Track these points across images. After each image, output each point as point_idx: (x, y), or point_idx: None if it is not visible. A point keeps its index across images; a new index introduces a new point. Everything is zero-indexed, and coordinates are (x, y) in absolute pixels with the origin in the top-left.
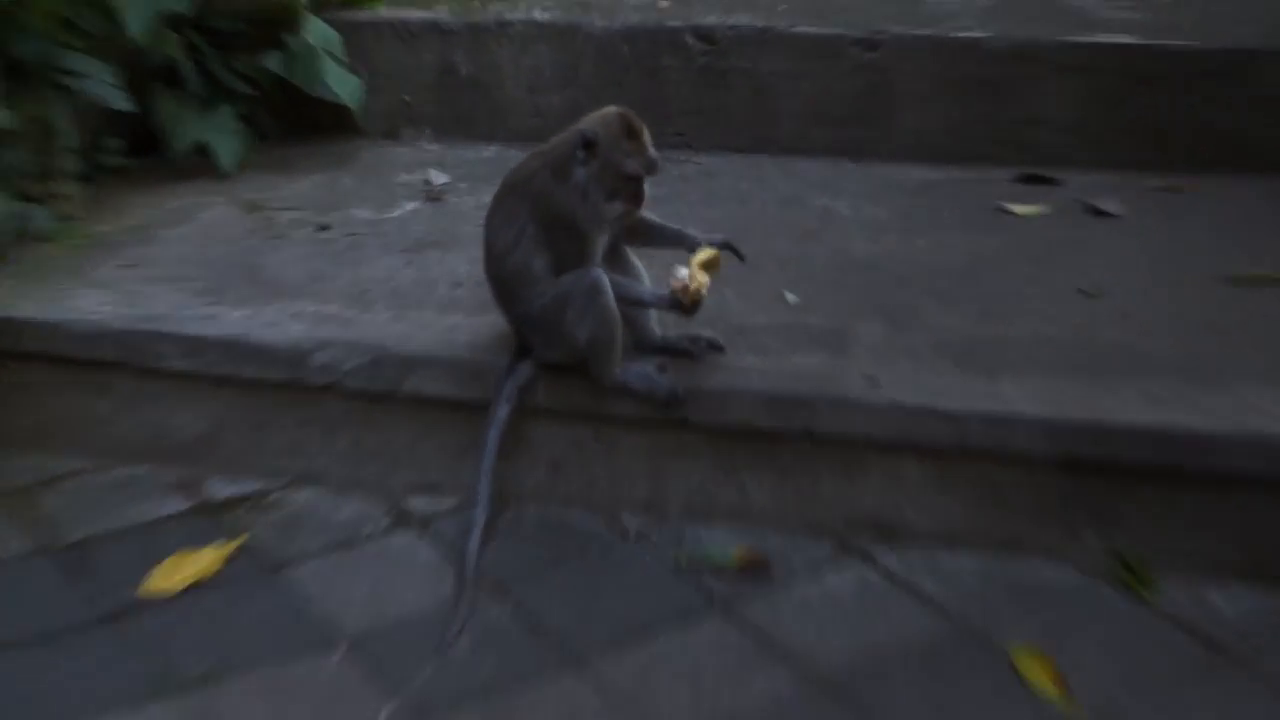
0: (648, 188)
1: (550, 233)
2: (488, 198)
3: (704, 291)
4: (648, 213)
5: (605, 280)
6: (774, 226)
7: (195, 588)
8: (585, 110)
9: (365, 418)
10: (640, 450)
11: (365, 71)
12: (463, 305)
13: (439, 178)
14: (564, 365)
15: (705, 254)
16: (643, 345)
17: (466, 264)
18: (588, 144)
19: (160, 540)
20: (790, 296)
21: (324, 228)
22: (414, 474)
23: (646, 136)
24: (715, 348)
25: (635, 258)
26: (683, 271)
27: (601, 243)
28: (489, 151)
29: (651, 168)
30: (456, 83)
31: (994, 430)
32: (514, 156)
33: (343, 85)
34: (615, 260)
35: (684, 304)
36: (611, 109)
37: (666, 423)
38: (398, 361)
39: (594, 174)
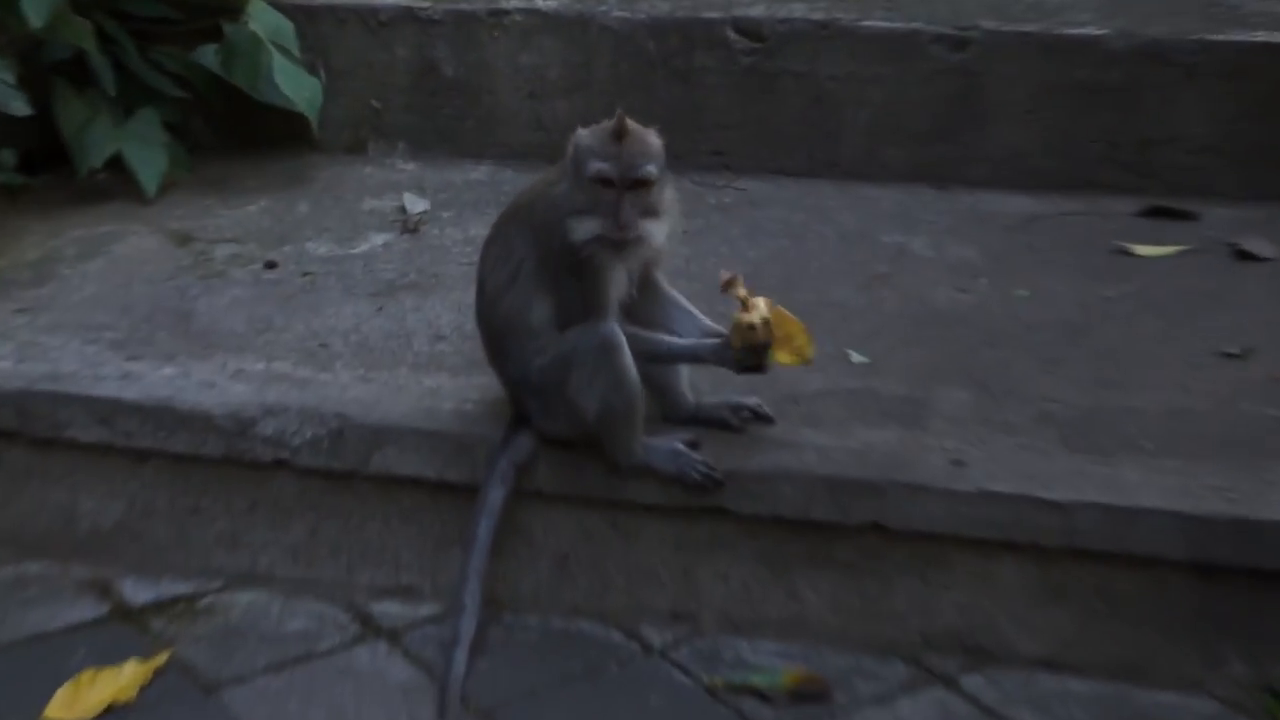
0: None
1: (554, 272)
2: (476, 230)
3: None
4: (661, 276)
5: (620, 336)
6: (835, 269)
7: (109, 715)
8: (596, 122)
9: (323, 502)
10: (666, 544)
11: (324, 70)
12: (446, 363)
13: (416, 204)
14: (571, 440)
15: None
16: (671, 414)
17: (450, 312)
18: (571, 151)
19: (65, 654)
20: (855, 356)
21: (271, 265)
22: (384, 573)
23: (638, 141)
24: (761, 418)
25: (676, 294)
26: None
27: (617, 286)
28: (478, 172)
29: (625, 170)
30: (438, 85)
31: (1112, 526)
32: (509, 179)
33: (296, 87)
34: (648, 297)
35: (755, 343)
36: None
37: (700, 511)
38: (365, 433)
39: (570, 187)
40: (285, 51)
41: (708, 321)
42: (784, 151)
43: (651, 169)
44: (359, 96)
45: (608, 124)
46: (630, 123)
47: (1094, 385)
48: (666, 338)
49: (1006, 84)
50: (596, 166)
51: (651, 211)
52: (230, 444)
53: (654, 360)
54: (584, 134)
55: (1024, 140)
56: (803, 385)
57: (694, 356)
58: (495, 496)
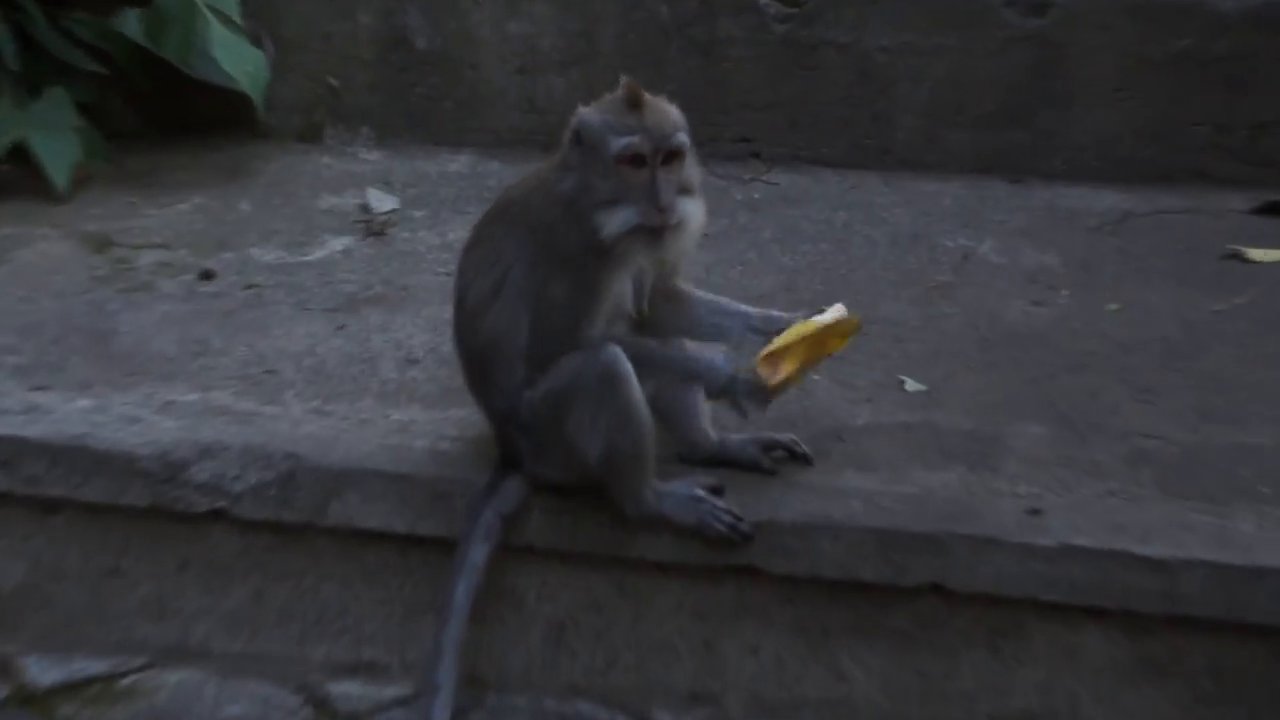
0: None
1: (548, 282)
2: (455, 233)
3: (799, 377)
4: (685, 283)
5: (626, 364)
6: (886, 279)
7: None
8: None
9: (270, 561)
10: (684, 610)
11: (272, 42)
12: (419, 392)
13: (382, 202)
14: (569, 485)
15: (835, 315)
16: (689, 454)
17: (424, 331)
18: (576, 134)
19: None
20: (911, 383)
21: (208, 275)
22: (343, 646)
23: (659, 109)
24: (798, 458)
25: (708, 296)
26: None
27: (623, 299)
28: (457, 163)
29: (657, 140)
30: (409, 59)
31: (1223, 589)
32: (494, 171)
33: (237, 61)
34: (675, 309)
35: (764, 389)
36: (622, 80)
37: (724, 570)
38: (320, 477)
39: (584, 166)
40: (224, 18)
41: (757, 313)
42: (824, 138)
43: (683, 136)
44: (313, 73)
45: (616, 94)
46: (640, 85)
47: (1199, 418)
48: (661, 347)
49: (1093, 56)
50: (622, 142)
51: (687, 189)
52: (158, 491)
53: (661, 377)
54: (589, 112)
55: (1114, 123)
56: (848, 419)
57: (691, 373)
58: (477, 554)
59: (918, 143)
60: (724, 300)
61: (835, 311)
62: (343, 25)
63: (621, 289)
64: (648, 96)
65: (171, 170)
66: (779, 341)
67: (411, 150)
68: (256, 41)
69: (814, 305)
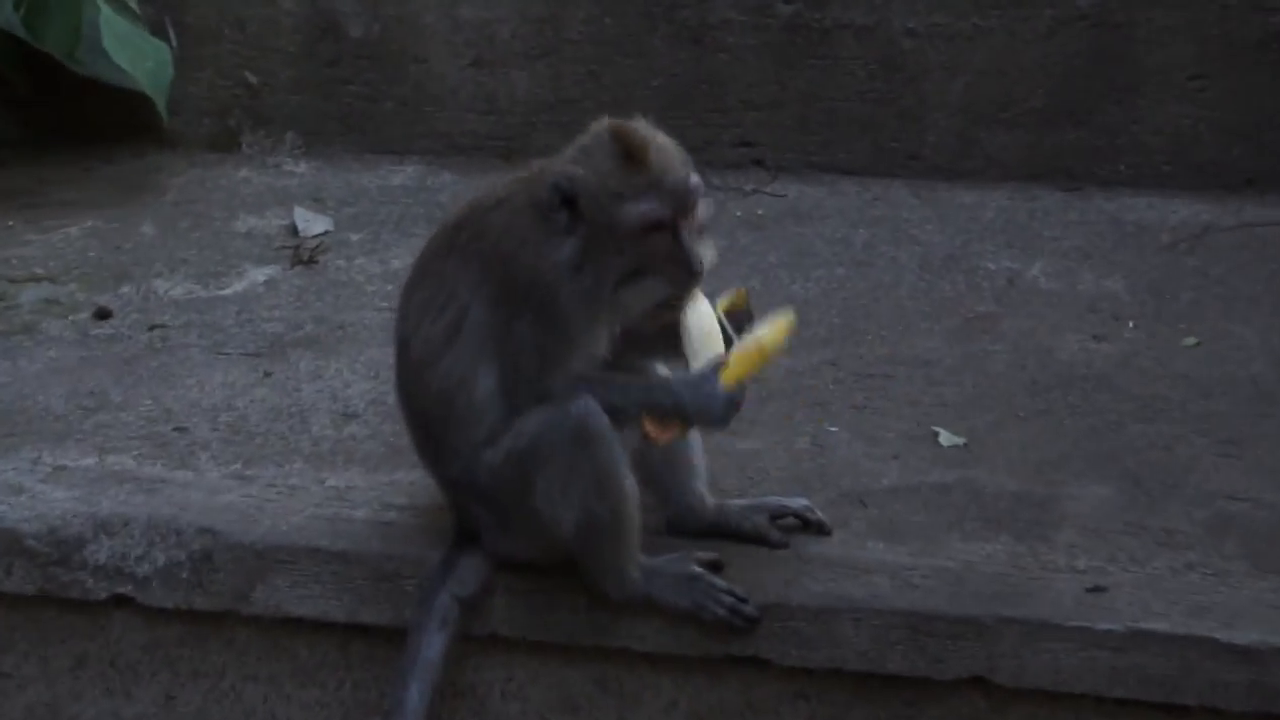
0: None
1: (512, 322)
2: (400, 259)
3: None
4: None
5: (602, 419)
6: (916, 310)
7: None
8: (571, 100)
9: (182, 657)
10: (678, 711)
11: (176, 32)
12: (358, 452)
13: (312, 223)
14: (539, 563)
15: (731, 300)
16: (681, 524)
17: (364, 378)
18: (566, 199)
19: None
20: (946, 436)
21: (104, 315)
22: None
23: (662, 150)
24: (811, 527)
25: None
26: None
27: (599, 341)
28: (402, 174)
29: (680, 199)
30: (341, 51)
31: None
32: (446, 184)
33: (134, 56)
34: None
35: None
36: (601, 124)
37: (725, 662)
38: (242, 556)
39: (589, 245)
40: (118, 3)
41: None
42: (841, 141)
43: (697, 179)
44: (227, 69)
45: (603, 144)
46: (634, 127)
47: None
48: (631, 381)
49: (1164, 38)
50: (639, 212)
51: (702, 229)
52: (47, 575)
53: (624, 416)
54: (572, 175)
55: (1189, 120)
56: (872, 479)
57: (666, 405)
58: (432, 646)
59: (953, 146)
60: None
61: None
62: (261, 11)
63: (597, 329)
64: (644, 139)
65: (58, 187)
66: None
67: (346, 160)
68: (158, 31)
69: (833, 345)
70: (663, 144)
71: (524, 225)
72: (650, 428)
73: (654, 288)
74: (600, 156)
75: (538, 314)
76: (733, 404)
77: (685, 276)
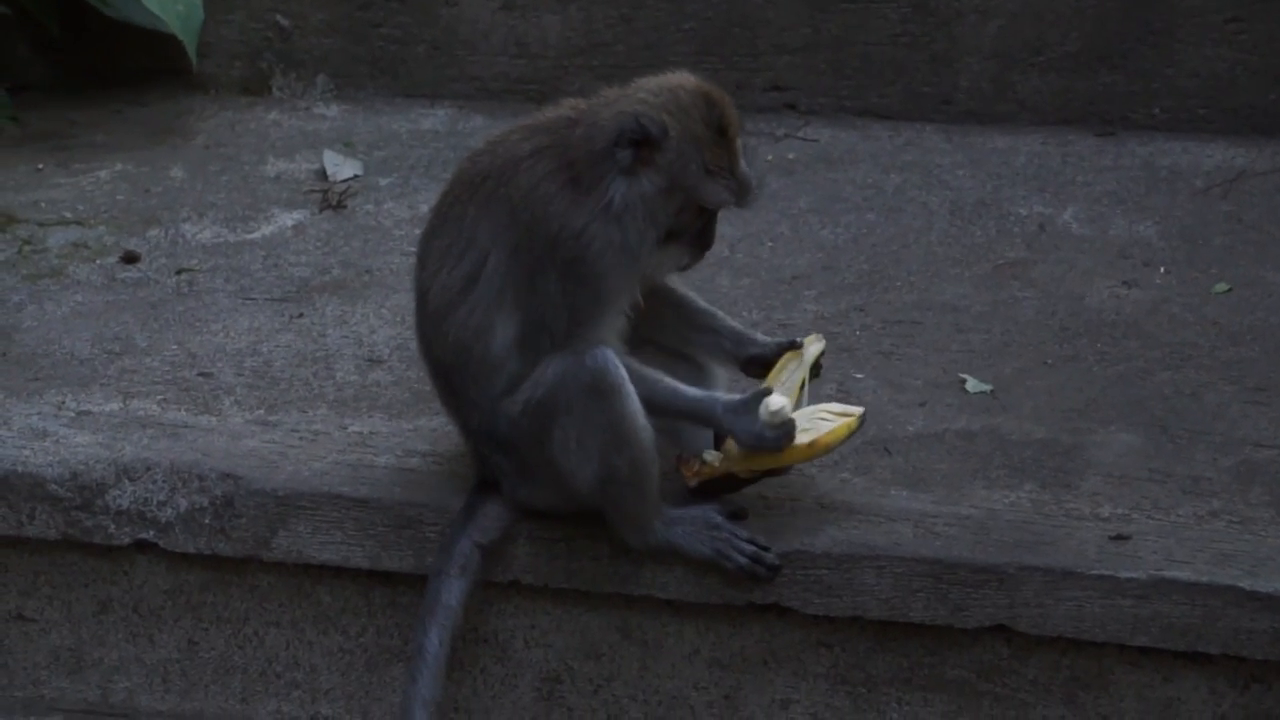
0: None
1: (535, 277)
2: (429, 204)
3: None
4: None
5: (620, 370)
6: (946, 256)
7: None
8: (603, 44)
9: (205, 602)
10: (700, 659)
11: None
12: (382, 399)
13: (342, 167)
14: (561, 511)
15: (815, 350)
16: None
17: (390, 324)
18: (645, 139)
19: None
20: (973, 383)
21: (131, 258)
22: (295, 702)
23: (742, 137)
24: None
25: (691, 296)
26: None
27: (630, 295)
28: (432, 118)
29: (746, 192)
30: None
31: None
32: (477, 128)
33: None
34: (654, 305)
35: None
36: (686, 79)
37: (748, 610)
38: (265, 502)
39: (647, 194)
40: None
41: (733, 325)
42: (872, 85)
43: None
44: (258, 12)
45: (698, 106)
46: (726, 99)
47: None
48: (669, 381)
49: None
50: (721, 194)
51: None
52: (70, 520)
53: (650, 409)
54: (672, 125)
55: (1226, 62)
56: (897, 426)
57: (699, 414)
58: (452, 592)
59: (986, 90)
60: (701, 307)
61: (815, 347)
62: None
63: (629, 284)
64: (737, 118)
65: (88, 130)
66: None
67: (377, 104)
68: None
69: (861, 290)
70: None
71: (555, 181)
72: (683, 467)
73: (678, 256)
74: (695, 119)
75: (566, 271)
76: (757, 435)
77: (700, 254)
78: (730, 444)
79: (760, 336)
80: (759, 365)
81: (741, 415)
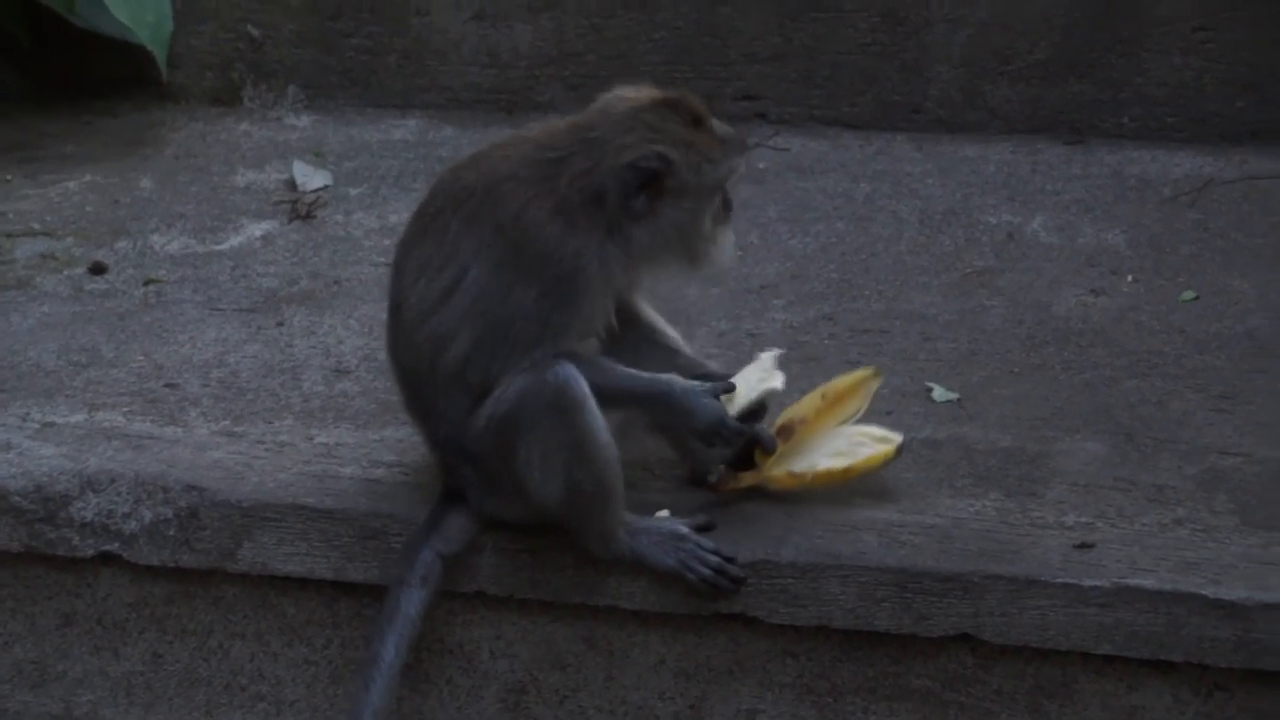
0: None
1: (513, 288)
2: (398, 214)
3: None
4: (642, 301)
5: (583, 386)
6: (915, 264)
7: None
8: (574, 53)
9: (170, 615)
10: (665, 669)
11: None
12: (349, 409)
13: (311, 177)
14: (526, 522)
15: (854, 380)
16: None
17: (358, 334)
18: (653, 177)
19: None
20: (940, 391)
21: (99, 269)
22: (259, 716)
23: (709, 115)
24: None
25: (655, 319)
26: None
27: (599, 317)
28: (403, 129)
29: (739, 146)
30: (344, 4)
31: None
32: (449, 139)
33: (135, 8)
34: (624, 322)
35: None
36: (639, 96)
37: (713, 620)
38: (229, 513)
39: (678, 219)
40: None
41: (687, 352)
42: (843, 94)
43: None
44: (229, 22)
45: (667, 116)
46: (683, 95)
47: None
48: (624, 368)
49: None
50: (735, 167)
51: None
52: (33, 532)
53: (606, 397)
54: (664, 153)
55: (1193, 71)
56: None
57: (655, 398)
58: (410, 602)
59: (956, 99)
60: (663, 327)
61: (766, 361)
62: None
63: (606, 305)
64: (701, 104)
65: (57, 141)
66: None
67: (347, 114)
68: None
69: (829, 299)
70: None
71: (547, 211)
72: (718, 486)
73: (730, 240)
74: (674, 126)
75: (550, 287)
76: (723, 421)
77: (728, 218)
78: (759, 457)
79: (717, 370)
80: None
81: (698, 400)
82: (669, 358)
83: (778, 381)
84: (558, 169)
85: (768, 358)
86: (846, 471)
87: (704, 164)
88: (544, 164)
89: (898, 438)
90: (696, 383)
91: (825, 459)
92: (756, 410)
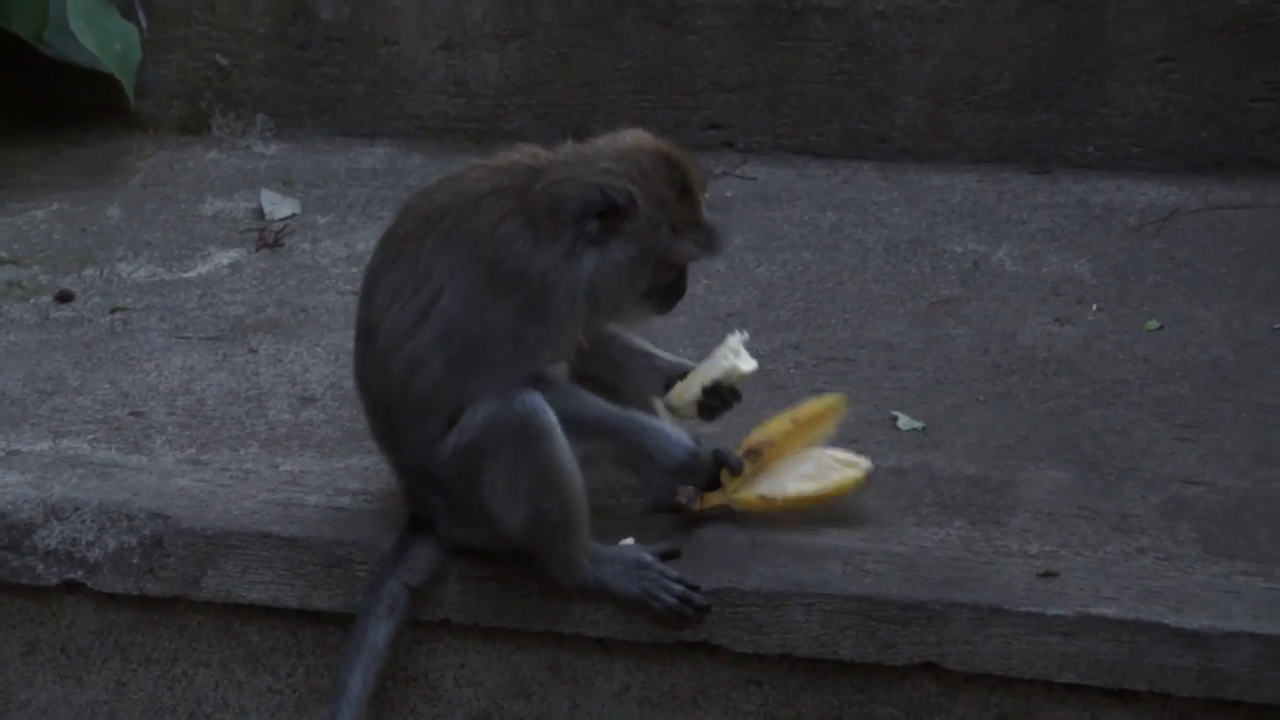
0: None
1: (488, 309)
2: (365, 242)
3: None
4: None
5: (548, 415)
6: (881, 293)
7: None
8: (542, 82)
9: (134, 643)
10: (630, 697)
11: (145, 13)
12: (314, 437)
13: (280, 205)
14: (492, 550)
15: (822, 405)
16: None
17: (324, 362)
18: (615, 209)
19: None
20: (905, 420)
21: (65, 297)
22: None
23: (703, 191)
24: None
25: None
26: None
27: (570, 344)
28: (372, 157)
29: (714, 243)
30: (312, 33)
31: (1275, 665)
32: (416, 167)
33: (103, 38)
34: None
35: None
36: (644, 139)
37: (678, 649)
38: (193, 541)
39: (619, 263)
40: None
41: (667, 357)
42: (810, 123)
43: None
44: (198, 51)
45: (658, 168)
46: (685, 157)
47: (1252, 460)
48: (597, 400)
49: (1133, 19)
50: (691, 250)
51: None
52: None
53: (576, 429)
54: (631, 193)
55: (1158, 102)
56: None
57: (626, 433)
58: (378, 633)
59: (922, 128)
60: (635, 339)
61: (733, 342)
62: None
63: (574, 330)
64: (698, 175)
65: (26, 170)
66: (756, 435)
67: (316, 142)
68: (127, 13)
69: (795, 327)
70: (698, 172)
71: (518, 221)
72: (685, 508)
73: (649, 307)
74: (658, 182)
75: (523, 308)
76: (696, 457)
77: (671, 306)
78: (726, 478)
79: (693, 363)
80: None
81: (669, 440)
82: (649, 361)
83: (746, 364)
84: (532, 185)
85: (735, 340)
86: (817, 496)
87: (664, 227)
88: (521, 179)
89: (866, 463)
90: (668, 424)
91: (795, 482)
92: (727, 393)
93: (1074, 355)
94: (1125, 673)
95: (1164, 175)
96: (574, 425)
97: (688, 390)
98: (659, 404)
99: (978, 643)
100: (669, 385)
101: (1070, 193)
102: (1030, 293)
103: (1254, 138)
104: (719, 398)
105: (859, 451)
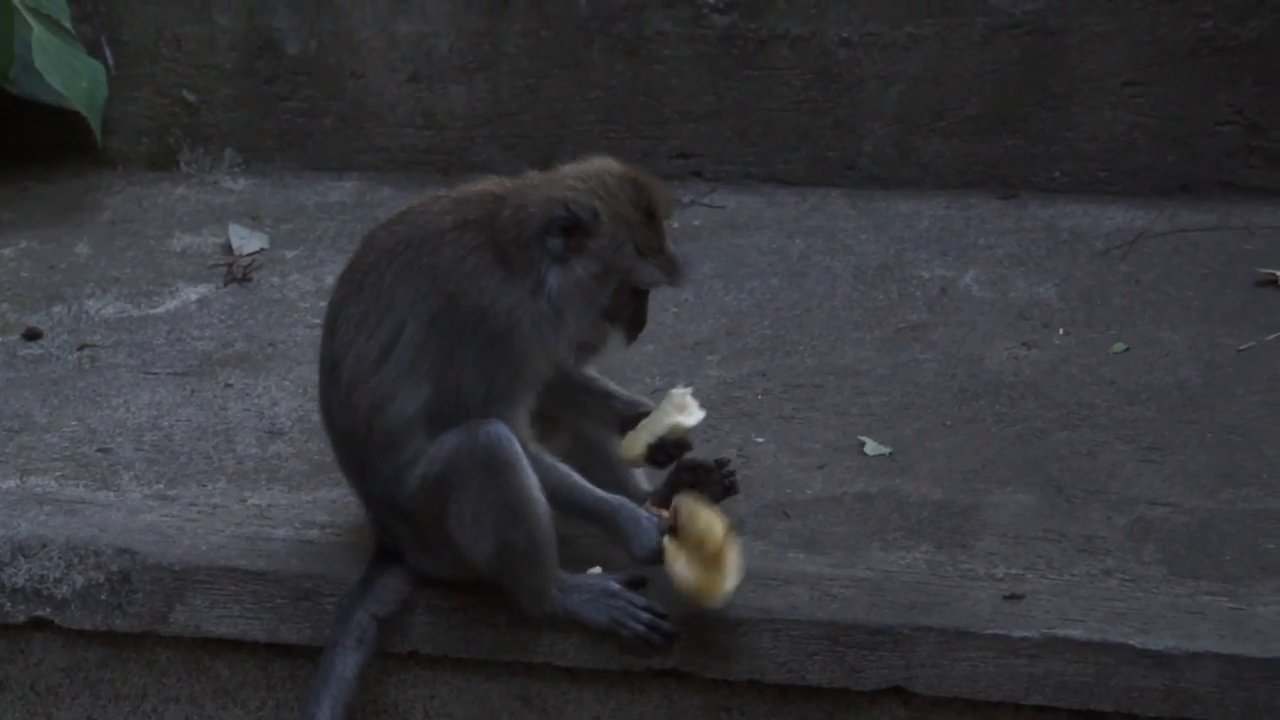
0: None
1: (454, 348)
2: (334, 276)
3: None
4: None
5: (514, 444)
6: (848, 319)
7: None
8: (509, 113)
9: (103, 679)
10: None
11: (111, 50)
12: (282, 471)
13: (248, 240)
14: (460, 581)
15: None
16: None
17: (292, 395)
18: (575, 226)
19: None
20: (872, 445)
21: (33, 335)
22: None
23: (669, 218)
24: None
25: (604, 381)
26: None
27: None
28: (340, 190)
29: (678, 271)
30: (279, 68)
31: (1240, 685)
32: (385, 199)
33: (69, 75)
34: (567, 393)
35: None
36: (610, 164)
37: (647, 676)
38: (161, 576)
39: (581, 280)
40: (51, 22)
41: (625, 397)
42: (777, 151)
43: None
44: (165, 87)
45: (626, 191)
46: (654, 182)
47: (1217, 481)
48: (576, 477)
49: (1097, 45)
50: (654, 274)
51: None
52: None
53: (552, 501)
54: (602, 209)
55: (1123, 126)
56: (796, 489)
57: (600, 515)
58: (346, 664)
59: (889, 155)
60: (594, 376)
61: (676, 398)
62: (198, 29)
63: (543, 369)
64: (666, 200)
65: None
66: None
67: (284, 177)
68: (93, 50)
69: (763, 355)
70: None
71: (483, 256)
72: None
73: (612, 340)
74: (624, 202)
75: (489, 347)
76: (657, 549)
77: (635, 334)
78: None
79: (649, 402)
80: None
81: (638, 529)
82: (606, 401)
83: (691, 418)
84: (498, 212)
85: (679, 394)
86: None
87: (628, 247)
88: (486, 209)
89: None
90: (641, 510)
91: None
92: (673, 448)
93: (1040, 379)
94: (1092, 694)
95: (1130, 199)
96: (550, 499)
97: (636, 444)
98: (616, 444)
99: (945, 666)
100: (625, 427)
101: (1037, 217)
102: (997, 317)
103: (1219, 161)
104: (664, 454)
105: (825, 478)
